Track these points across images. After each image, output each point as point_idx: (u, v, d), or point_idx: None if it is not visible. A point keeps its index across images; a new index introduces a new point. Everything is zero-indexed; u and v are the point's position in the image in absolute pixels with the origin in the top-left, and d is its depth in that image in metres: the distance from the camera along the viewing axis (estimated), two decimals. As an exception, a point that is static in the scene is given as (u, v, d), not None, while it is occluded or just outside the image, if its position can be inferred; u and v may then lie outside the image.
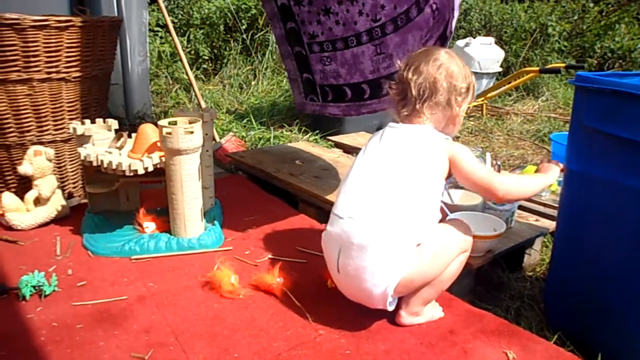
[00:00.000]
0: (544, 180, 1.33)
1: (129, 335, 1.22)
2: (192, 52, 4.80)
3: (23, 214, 1.75)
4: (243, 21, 4.99)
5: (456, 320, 1.31)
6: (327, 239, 1.27)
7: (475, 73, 2.79)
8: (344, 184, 1.29)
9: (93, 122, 1.80)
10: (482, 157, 1.89)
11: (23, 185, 1.88)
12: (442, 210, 1.32)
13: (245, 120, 3.55)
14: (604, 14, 5.72)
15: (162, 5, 2.95)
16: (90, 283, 1.44)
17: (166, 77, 4.45)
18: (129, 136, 1.78)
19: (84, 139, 1.72)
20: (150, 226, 1.69)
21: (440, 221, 1.27)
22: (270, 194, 2.17)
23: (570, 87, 4.69)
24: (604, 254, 1.27)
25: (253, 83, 4.58)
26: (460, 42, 4.49)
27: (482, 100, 4.13)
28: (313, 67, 2.36)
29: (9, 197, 1.75)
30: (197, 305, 1.35)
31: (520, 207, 1.94)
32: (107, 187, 1.77)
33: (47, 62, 1.80)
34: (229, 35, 5.03)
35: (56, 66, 1.82)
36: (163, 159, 1.60)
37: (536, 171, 1.41)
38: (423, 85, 1.24)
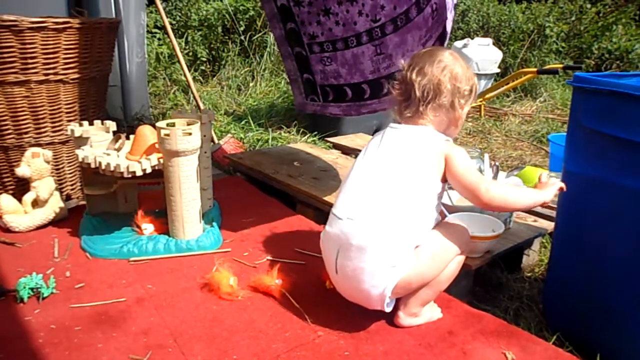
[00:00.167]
0: (537, 197, 1.23)
1: (127, 337, 1.21)
2: (190, 53, 4.80)
3: (21, 216, 1.74)
4: (241, 23, 4.99)
5: (455, 321, 1.31)
6: (326, 240, 1.26)
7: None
8: (344, 184, 1.29)
9: (91, 123, 1.80)
10: (480, 158, 1.89)
11: (21, 187, 1.88)
12: (441, 211, 1.32)
13: (243, 122, 3.55)
14: (601, 15, 5.74)
15: (160, 6, 2.95)
16: (89, 285, 1.43)
17: (164, 78, 4.45)
18: (127, 138, 1.78)
19: (81, 141, 1.72)
20: (148, 228, 1.69)
21: (439, 222, 1.27)
22: (268, 196, 2.17)
23: (568, 88, 4.70)
24: (602, 255, 1.27)
25: (251, 84, 4.58)
26: (458, 43, 4.50)
27: (481, 101, 4.13)
28: (313, 68, 2.37)
29: (7, 199, 1.75)
30: (196, 307, 1.34)
31: (519, 208, 1.94)
32: (105, 189, 1.77)
33: (44, 64, 1.79)
34: (226, 37, 5.03)
35: (54, 68, 1.82)
36: (161, 160, 1.60)
37: (534, 187, 1.32)
38: (427, 87, 1.23)
